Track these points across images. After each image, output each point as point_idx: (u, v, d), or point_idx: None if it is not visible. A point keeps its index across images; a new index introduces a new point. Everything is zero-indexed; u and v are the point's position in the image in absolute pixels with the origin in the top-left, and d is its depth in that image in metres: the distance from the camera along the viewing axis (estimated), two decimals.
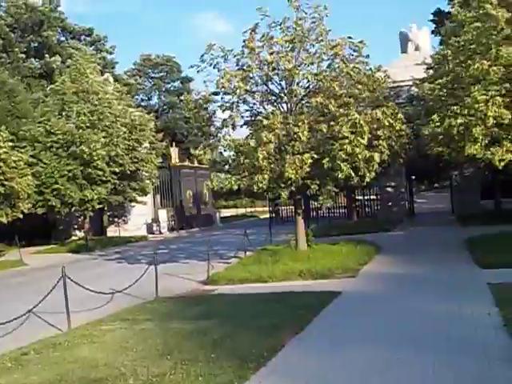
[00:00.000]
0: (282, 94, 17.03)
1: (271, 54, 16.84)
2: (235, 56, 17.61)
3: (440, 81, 17.93)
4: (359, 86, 17.77)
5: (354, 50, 17.89)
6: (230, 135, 16.63)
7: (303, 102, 17.89)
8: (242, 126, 18.13)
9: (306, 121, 15.78)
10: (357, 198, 39.27)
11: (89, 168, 31.10)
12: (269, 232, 24.61)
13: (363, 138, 15.41)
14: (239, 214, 60.60)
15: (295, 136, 15.53)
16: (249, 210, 64.83)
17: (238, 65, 17.60)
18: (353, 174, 15.72)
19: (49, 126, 32.11)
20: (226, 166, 17.73)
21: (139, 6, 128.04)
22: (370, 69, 17.87)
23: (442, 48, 18.44)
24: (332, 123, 16.07)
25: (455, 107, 16.61)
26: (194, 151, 18.21)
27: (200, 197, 47.17)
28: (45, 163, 31.30)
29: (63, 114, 32.95)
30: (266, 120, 15.85)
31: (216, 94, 17.95)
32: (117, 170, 32.18)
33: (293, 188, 16.26)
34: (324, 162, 15.59)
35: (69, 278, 11.78)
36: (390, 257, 18.23)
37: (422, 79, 23.77)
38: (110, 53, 58.59)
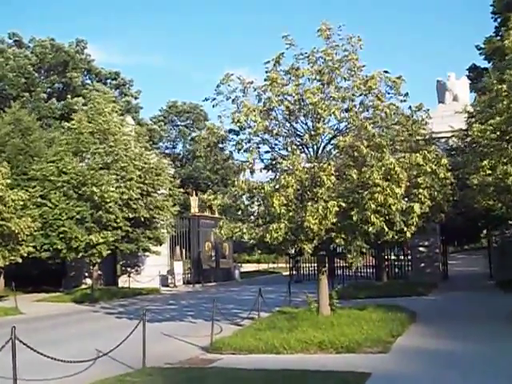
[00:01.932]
0: (307, 135, 14.64)
1: (296, 85, 14.61)
2: (255, 90, 15.44)
3: (492, 121, 15.39)
4: (396, 127, 15.42)
5: (391, 87, 15.62)
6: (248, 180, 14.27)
7: (331, 143, 15.51)
8: (261, 170, 15.79)
9: (332, 163, 13.38)
10: (387, 257, 36.57)
11: (100, 211, 29.03)
12: (288, 291, 21.99)
13: (399, 187, 12.94)
14: (261, 269, 57.89)
15: (319, 181, 13.08)
16: (272, 265, 62.12)
17: (259, 100, 15.40)
18: (386, 229, 13.17)
19: (61, 165, 30.30)
20: (239, 213, 15.30)
21: (169, 57, 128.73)
22: (410, 107, 15.53)
23: (495, 83, 15.98)
24: (364, 169, 13.64)
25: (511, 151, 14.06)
26: (202, 195, 15.80)
27: (220, 249, 44.68)
28: (53, 204, 29.36)
29: (78, 153, 31.13)
30: (285, 161, 13.49)
31: (232, 131, 15.67)
32: (130, 215, 30.00)
33: (315, 242, 13.70)
34: (353, 212, 13.10)
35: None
36: (428, 328, 15.44)
37: (466, 126, 21.20)
38: (135, 97, 57.43)
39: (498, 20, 46.17)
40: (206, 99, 15.95)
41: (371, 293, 24.34)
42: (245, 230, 13.91)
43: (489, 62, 39.88)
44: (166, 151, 63.96)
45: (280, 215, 13.19)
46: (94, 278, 32.95)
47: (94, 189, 28.66)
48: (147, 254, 35.91)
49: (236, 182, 14.26)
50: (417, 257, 31.89)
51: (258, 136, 14.68)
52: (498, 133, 15.38)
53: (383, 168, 13.01)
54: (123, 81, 56.68)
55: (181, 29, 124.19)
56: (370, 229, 13.01)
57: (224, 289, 34.82)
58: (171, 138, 67.98)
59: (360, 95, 14.99)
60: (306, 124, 14.93)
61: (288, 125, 15.16)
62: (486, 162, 14.97)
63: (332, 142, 15.45)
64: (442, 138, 28.91)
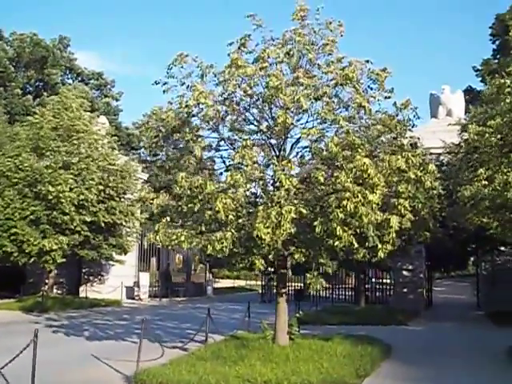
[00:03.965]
0: (265, 124, 12.15)
1: (261, 69, 12.13)
2: (216, 76, 12.98)
3: (492, 122, 12.84)
4: (378, 127, 12.96)
5: (374, 81, 13.21)
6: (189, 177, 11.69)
7: (302, 146, 13.03)
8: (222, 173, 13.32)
9: (294, 162, 10.89)
10: (368, 279, 34.15)
11: (54, 212, 26.43)
12: (258, 311, 19.58)
13: (373, 193, 10.44)
14: (237, 286, 55.15)
15: (277, 182, 10.57)
16: (253, 282, 59.28)
17: (217, 85, 12.96)
18: (356, 245, 10.61)
19: (18, 162, 27.66)
20: (179, 216, 12.73)
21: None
22: (394, 103, 13.06)
23: (496, 79, 13.51)
24: (336, 173, 11.16)
25: None
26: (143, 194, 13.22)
27: (192, 263, 42.03)
28: (6, 202, 26.75)
29: (37, 150, 28.52)
30: (236, 154, 10.94)
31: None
32: (87, 218, 27.36)
33: (270, 257, 11.17)
34: (316, 223, 10.55)
35: None
36: (403, 368, 12.75)
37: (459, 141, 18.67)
38: (116, 99, 54.81)
39: (496, 42, 44.44)
40: (156, 83, 13.57)
41: (345, 319, 21.89)
42: (183, 238, 11.35)
43: (485, 85, 37.86)
44: (148, 158, 61.24)
45: (227, 222, 10.67)
46: (49, 286, 30.43)
47: (50, 188, 26.25)
48: (112, 262, 33.36)
49: (177, 179, 11.70)
50: (399, 281, 29.31)
51: (208, 123, 12.21)
52: (499, 136, 12.87)
53: (354, 170, 10.52)
54: (104, 81, 54.13)
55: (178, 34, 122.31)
56: (336, 243, 10.46)
57: (191, 305, 32.15)
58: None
59: (335, 86, 12.51)
60: (269, 111, 12.39)
61: (247, 114, 12.67)
62: (482, 170, 12.53)
63: (301, 143, 13.02)
64: (434, 154, 26.60)
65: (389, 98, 13.29)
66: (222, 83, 12.40)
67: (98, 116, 36.50)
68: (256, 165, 11.15)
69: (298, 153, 13.20)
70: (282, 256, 11.83)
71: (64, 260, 27.80)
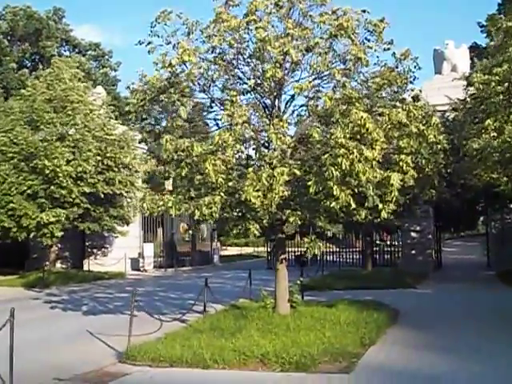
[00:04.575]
0: (252, 80, 11.33)
1: (247, 22, 11.28)
2: (202, 32, 12.14)
3: (499, 69, 11.95)
4: (377, 80, 12.14)
5: (371, 33, 12.32)
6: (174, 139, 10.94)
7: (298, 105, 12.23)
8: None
9: (286, 120, 10.13)
10: (376, 241, 33.52)
11: (52, 186, 25.85)
12: (263, 278, 19.36)
13: (372, 150, 9.66)
14: (244, 253, 54.58)
15: (267, 140, 9.81)
16: (261, 249, 58.69)
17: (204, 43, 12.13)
18: (354, 205, 9.85)
19: (12, 136, 26.99)
20: (167, 182, 12.03)
21: None
22: (393, 54, 12.21)
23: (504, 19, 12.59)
24: (332, 129, 10.37)
25: None
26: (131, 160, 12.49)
27: (197, 232, 41.34)
28: (2, 177, 26.23)
29: (31, 123, 27.82)
30: (224, 112, 10.15)
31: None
32: (86, 190, 26.77)
33: (265, 221, 10.46)
34: (310, 183, 9.79)
35: None
36: (411, 334, 12.11)
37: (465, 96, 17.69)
38: (114, 69, 53.69)
39: None
40: (140, 43, 12.74)
41: (352, 283, 21.28)
42: (170, 204, 10.65)
43: (491, 41, 36.53)
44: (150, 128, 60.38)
45: (217, 185, 9.94)
46: (51, 261, 29.99)
47: (46, 162, 25.62)
48: (115, 234, 32.83)
49: (162, 143, 10.94)
50: (407, 243, 28.62)
51: (194, 83, 11.41)
52: (506, 85, 11.98)
53: (351, 125, 9.73)
54: (102, 51, 53.03)
55: None
56: (333, 204, 9.71)
57: (196, 274, 31.53)
58: (154, 114, 64.23)
59: (329, 37, 11.66)
60: (261, 68, 11.55)
61: (237, 71, 11.84)
62: (490, 121, 11.66)
63: (297, 101, 12.24)
64: (439, 111, 25.69)
65: (388, 49, 12.45)
66: (207, 39, 11.57)
67: (94, 86, 35.68)
68: (247, 124, 10.36)
69: (294, 111, 12.50)
70: (279, 220, 11.10)
71: (62, 233, 27.24)
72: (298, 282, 14.07)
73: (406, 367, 9.22)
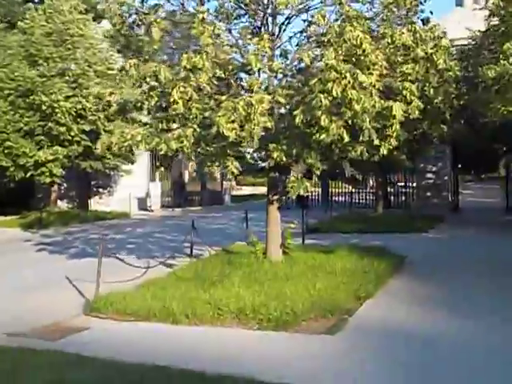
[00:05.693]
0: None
1: None
2: None
3: None
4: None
5: None
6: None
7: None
8: None
9: (269, 40, 8.70)
10: (392, 183, 32.24)
11: (50, 123, 24.75)
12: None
13: (370, 75, 8.23)
14: (258, 193, 53.44)
15: (245, 63, 8.41)
16: None
17: None
18: (346, 138, 8.47)
19: (9, 71, 25.76)
20: (138, 115, 10.74)
21: None
22: None
23: None
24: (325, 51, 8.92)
25: None
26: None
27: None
28: None
29: (29, 58, 26.55)
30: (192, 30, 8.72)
31: None
32: (86, 128, 25.65)
33: (249, 157, 9.17)
34: (296, 112, 8.40)
35: None
36: (414, 286, 10.86)
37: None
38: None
39: None
40: None
41: (361, 226, 20.05)
42: (139, 138, 9.38)
43: None
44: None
45: (190, 116, 8.62)
46: (52, 200, 29.08)
47: (43, 98, 24.57)
48: (121, 173, 31.83)
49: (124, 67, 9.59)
50: (422, 184, 27.18)
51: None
52: None
53: (345, 45, 8.28)
54: None
55: None
56: (322, 137, 8.34)
57: (203, 214, 30.50)
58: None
59: None
60: None
61: None
62: (509, 45, 10.11)
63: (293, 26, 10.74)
64: (457, 45, 23.87)
65: None
66: None
67: (96, 20, 33.97)
68: (226, 47, 8.96)
69: (291, 38, 11.03)
70: (266, 156, 9.77)
71: (63, 172, 26.36)
72: (292, 225, 12.79)
73: (402, 326, 8.02)
